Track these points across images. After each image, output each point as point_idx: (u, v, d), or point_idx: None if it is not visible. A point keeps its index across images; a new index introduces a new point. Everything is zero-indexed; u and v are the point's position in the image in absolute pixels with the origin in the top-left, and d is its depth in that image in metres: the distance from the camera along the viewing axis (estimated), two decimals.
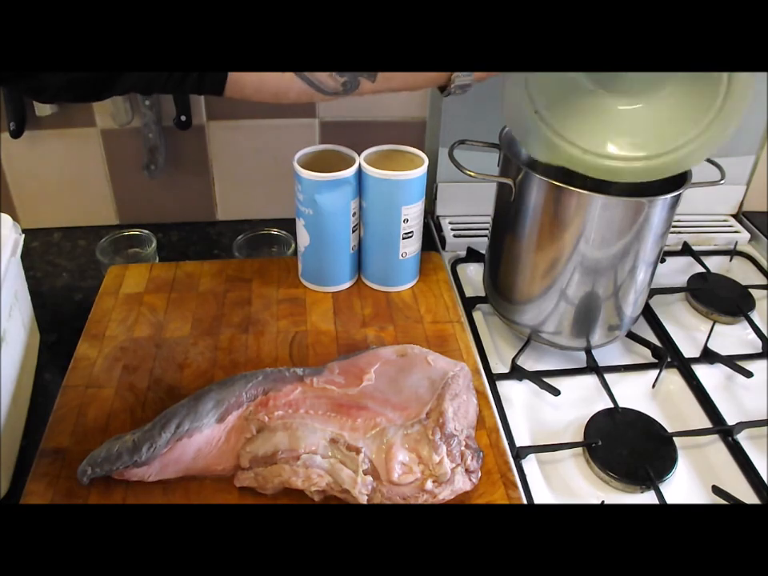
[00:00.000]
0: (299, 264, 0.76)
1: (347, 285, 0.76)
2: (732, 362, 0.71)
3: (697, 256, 0.88)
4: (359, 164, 0.69)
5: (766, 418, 0.65)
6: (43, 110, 0.78)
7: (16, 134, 0.80)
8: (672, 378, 0.71)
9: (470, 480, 0.54)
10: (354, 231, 0.72)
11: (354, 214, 0.71)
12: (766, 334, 0.76)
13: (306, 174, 0.68)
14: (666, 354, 0.71)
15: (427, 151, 0.72)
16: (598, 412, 0.64)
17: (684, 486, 0.59)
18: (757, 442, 0.64)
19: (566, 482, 0.59)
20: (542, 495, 0.57)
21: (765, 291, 0.84)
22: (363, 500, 0.51)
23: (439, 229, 0.91)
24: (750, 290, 0.83)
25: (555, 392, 0.65)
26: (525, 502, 0.55)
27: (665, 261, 0.87)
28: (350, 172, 0.68)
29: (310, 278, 0.75)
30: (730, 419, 0.65)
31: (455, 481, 0.52)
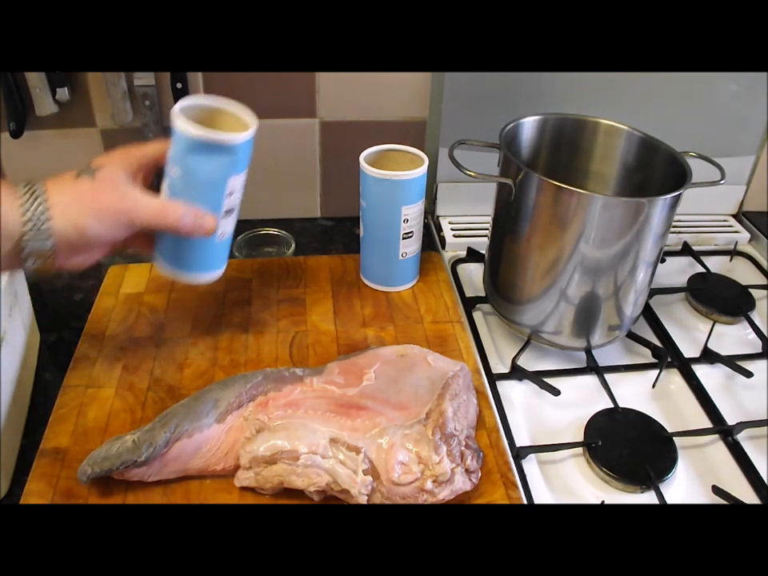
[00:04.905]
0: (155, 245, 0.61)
1: (212, 274, 0.63)
2: (732, 362, 0.71)
3: (697, 256, 0.88)
4: (253, 134, 0.57)
5: (765, 418, 0.65)
6: (43, 109, 0.78)
7: (16, 134, 0.80)
8: (672, 378, 0.70)
9: (470, 480, 0.54)
10: (227, 215, 0.60)
11: (231, 194, 0.59)
12: (766, 334, 0.76)
13: (184, 125, 0.54)
14: (666, 354, 0.71)
15: (427, 151, 0.72)
16: (598, 412, 0.64)
17: (684, 486, 0.59)
18: (757, 442, 0.64)
19: (566, 482, 0.59)
20: (542, 495, 0.57)
21: (765, 291, 0.84)
22: (363, 500, 0.51)
23: (439, 229, 0.91)
24: (750, 289, 0.83)
25: (555, 392, 0.65)
26: (525, 501, 0.55)
27: (665, 261, 0.87)
28: (234, 138, 0.56)
29: (170, 261, 0.60)
30: (730, 419, 0.65)
31: (455, 481, 0.52)
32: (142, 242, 0.58)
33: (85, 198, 0.50)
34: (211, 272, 0.62)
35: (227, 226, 0.60)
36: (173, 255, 0.59)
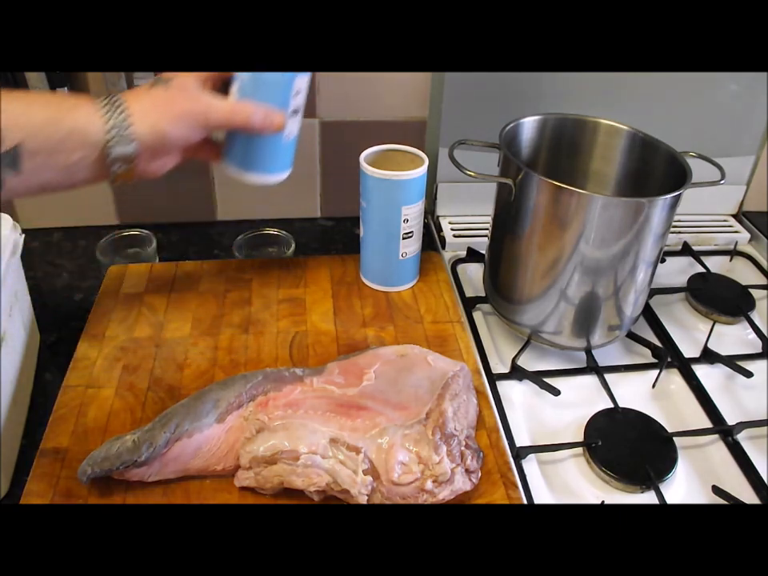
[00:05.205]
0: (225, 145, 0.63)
1: (279, 175, 0.64)
2: (732, 362, 0.71)
3: (697, 256, 0.88)
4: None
5: (765, 418, 0.65)
6: None
7: None
8: (672, 378, 0.71)
9: (470, 480, 0.54)
10: (293, 114, 0.61)
11: (297, 94, 0.60)
12: (766, 334, 0.76)
13: None
14: (666, 354, 0.71)
15: (427, 151, 0.72)
16: (598, 412, 0.64)
17: (684, 486, 0.59)
18: (757, 442, 0.64)
19: (566, 482, 0.59)
20: (542, 495, 0.57)
21: (765, 291, 0.84)
22: (363, 500, 0.51)
23: (439, 229, 0.91)
24: (750, 289, 0.83)
25: (555, 392, 0.65)
26: (525, 501, 0.55)
27: (665, 261, 0.87)
28: None
29: (239, 163, 0.62)
30: (730, 419, 0.65)
31: (455, 481, 0.52)
32: (210, 151, 0.62)
33: (162, 104, 0.54)
34: (278, 173, 0.64)
35: (293, 126, 0.62)
36: (242, 157, 0.62)
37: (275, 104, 0.59)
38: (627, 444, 0.61)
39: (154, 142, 0.53)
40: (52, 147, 0.49)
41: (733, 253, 0.91)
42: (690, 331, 0.77)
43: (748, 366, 0.70)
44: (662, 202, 0.60)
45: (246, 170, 0.62)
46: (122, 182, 0.54)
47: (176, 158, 0.58)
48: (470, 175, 0.63)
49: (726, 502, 0.57)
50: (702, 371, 0.71)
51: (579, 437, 0.62)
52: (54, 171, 0.50)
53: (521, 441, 0.61)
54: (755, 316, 0.79)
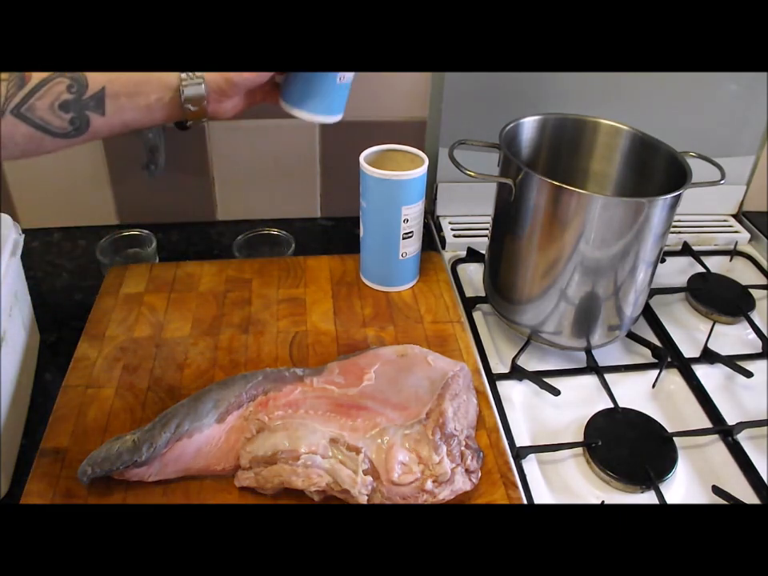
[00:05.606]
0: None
1: (332, 117, 0.67)
2: (732, 362, 0.71)
3: (697, 256, 0.88)
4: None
5: (765, 418, 0.65)
6: None
7: None
8: (672, 378, 0.71)
9: (470, 480, 0.54)
10: None
11: None
12: (766, 334, 0.76)
13: None
14: (666, 354, 0.71)
15: (427, 151, 0.72)
16: (598, 412, 0.64)
17: (684, 486, 0.59)
18: (757, 442, 0.64)
19: (566, 482, 0.59)
20: (542, 495, 0.57)
21: (765, 291, 0.84)
22: (363, 500, 0.51)
23: (439, 229, 0.91)
24: (750, 289, 0.83)
25: (555, 392, 0.65)
26: (525, 501, 0.55)
27: (665, 261, 0.87)
28: None
29: (294, 102, 0.65)
30: (730, 419, 0.65)
31: (455, 481, 0.52)
32: (273, 93, 0.65)
33: None
34: (331, 114, 0.67)
35: (348, 72, 0.66)
36: (299, 97, 0.65)
37: None
38: (627, 444, 0.61)
39: (220, 85, 0.57)
40: (131, 90, 0.54)
41: (733, 253, 0.91)
42: (690, 331, 0.77)
43: (748, 366, 0.70)
44: (661, 202, 0.60)
45: (301, 108, 0.65)
46: (196, 120, 0.59)
47: (242, 101, 0.62)
48: (470, 175, 0.63)
49: (726, 502, 0.57)
50: (701, 371, 0.71)
51: (579, 437, 0.62)
52: (135, 111, 0.56)
53: (521, 441, 0.61)
54: (755, 316, 0.79)
